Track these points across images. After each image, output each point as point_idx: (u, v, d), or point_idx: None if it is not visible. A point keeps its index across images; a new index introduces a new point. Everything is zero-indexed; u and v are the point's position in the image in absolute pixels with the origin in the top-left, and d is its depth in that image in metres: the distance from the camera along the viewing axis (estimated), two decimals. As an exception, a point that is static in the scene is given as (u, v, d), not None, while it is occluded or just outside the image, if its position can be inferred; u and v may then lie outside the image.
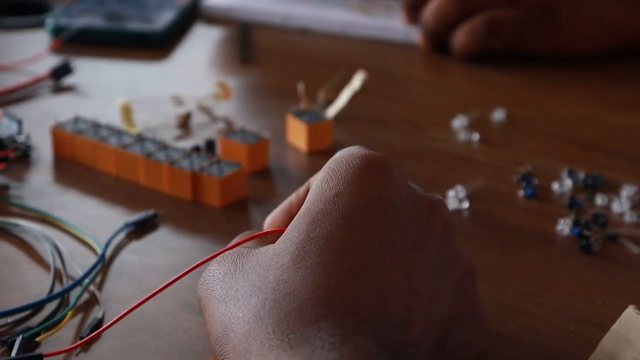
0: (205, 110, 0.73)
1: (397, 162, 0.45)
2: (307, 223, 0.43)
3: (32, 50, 0.84)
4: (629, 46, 0.84)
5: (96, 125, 0.66)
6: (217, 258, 0.45)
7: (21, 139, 0.66)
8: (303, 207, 0.44)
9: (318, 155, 0.67)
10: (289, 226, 0.44)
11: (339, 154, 0.46)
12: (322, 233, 0.42)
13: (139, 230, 0.58)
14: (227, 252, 0.45)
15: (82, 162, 0.65)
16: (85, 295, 0.51)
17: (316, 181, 0.45)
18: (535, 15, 0.83)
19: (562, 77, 0.81)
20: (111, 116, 0.71)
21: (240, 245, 0.46)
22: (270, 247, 0.44)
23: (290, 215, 0.50)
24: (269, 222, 0.51)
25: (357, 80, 0.75)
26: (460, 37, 0.83)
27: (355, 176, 0.44)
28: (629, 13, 0.84)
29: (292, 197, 0.50)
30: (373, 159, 0.45)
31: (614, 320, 0.44)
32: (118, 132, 0.65)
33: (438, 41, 0.86)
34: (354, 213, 0.43)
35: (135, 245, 0.56)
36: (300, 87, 0.72)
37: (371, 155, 0.45)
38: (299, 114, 0.69)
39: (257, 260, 0.43)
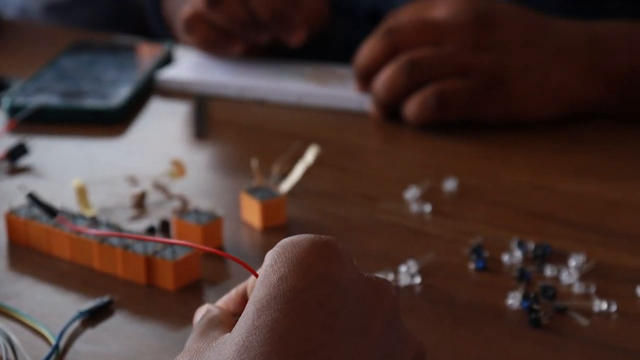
0: (160, 188, 0.74)
1: (344, 245, 0.46)
2: (252, 311, 0.44)
3: (-12, 130, 0.85)
4: (575, 110, 0.86)
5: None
6: (181, 354, 0.46)
7: (-25, 225, 0.67)
8: (252, 294, 0.45)
9: (272, 232, 0.68)
10: (242, 314, 0.45)
11: (286, 239, 0.47)
12: (266, 321, 0.43)
13: (93, 317, 0.58)
14: (189, 346, 0.47)
15: (37, 248, 0.65)
16: (38, 389, 0.51)
17: (263, 266, 0.46)
18: (485, 84, 0.84)
19: (513, 144, 0.83)
20: (67, 197, 0.72)
21: (205, 335, 0.47)
22: (221, 339, 0.45)
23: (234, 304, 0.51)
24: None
25: (310, 155, 0.76)
26: (411, 109, 0.84)
27: (300, 258, 0.45)
28: (574, 77, 0.85)
29: (232, 292, 0.51)
30: (319, 241, 0.46)
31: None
32: (72, 216, 0.66)
33: (389, 110, 0.87)
34: (299, 297, 0.44)
35: (89, 333, 0.57)
36: (254, 163, 0.73)
37: (318, 238, 0.46)
38: (253, 191, 0.70)
39: (209, 355, 0.44)
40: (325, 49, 1.00)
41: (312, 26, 0.96)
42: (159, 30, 1.18)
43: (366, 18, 1.00)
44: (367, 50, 0.87)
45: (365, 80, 0.88)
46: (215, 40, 0.95)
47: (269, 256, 0.46)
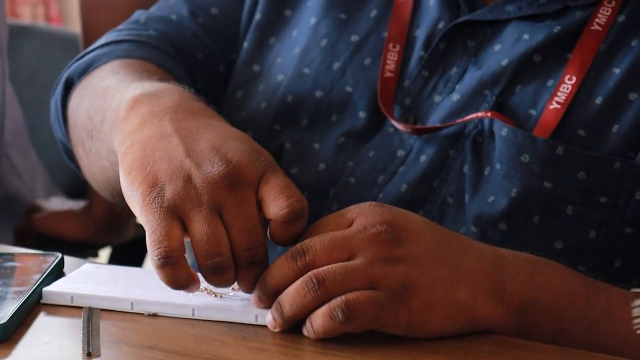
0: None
1: None
2: None
3: None
4: (476, 328, 0.86)
5: None
6: None
7: None
8: None
9: None
10: None
11: None
12: None
13: None
14: None
15: None
16: None
17: None
18: (392, 296, 0.83)
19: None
20: None
21: None
22: None
23: None
24: None
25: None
26: (316, 322, 0.83)
27: None
28: (477, 297, 0.86)
29: None
30: None
31: None
32: None
33: (291, 325, 0.85)
34: None
35: None
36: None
37: None
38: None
39: None
40: None
41: None
42: (63, 140, 1.16)
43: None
44: (277, 270, 0.85)
45: (271, 299, 0.86)
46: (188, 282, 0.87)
47: None
